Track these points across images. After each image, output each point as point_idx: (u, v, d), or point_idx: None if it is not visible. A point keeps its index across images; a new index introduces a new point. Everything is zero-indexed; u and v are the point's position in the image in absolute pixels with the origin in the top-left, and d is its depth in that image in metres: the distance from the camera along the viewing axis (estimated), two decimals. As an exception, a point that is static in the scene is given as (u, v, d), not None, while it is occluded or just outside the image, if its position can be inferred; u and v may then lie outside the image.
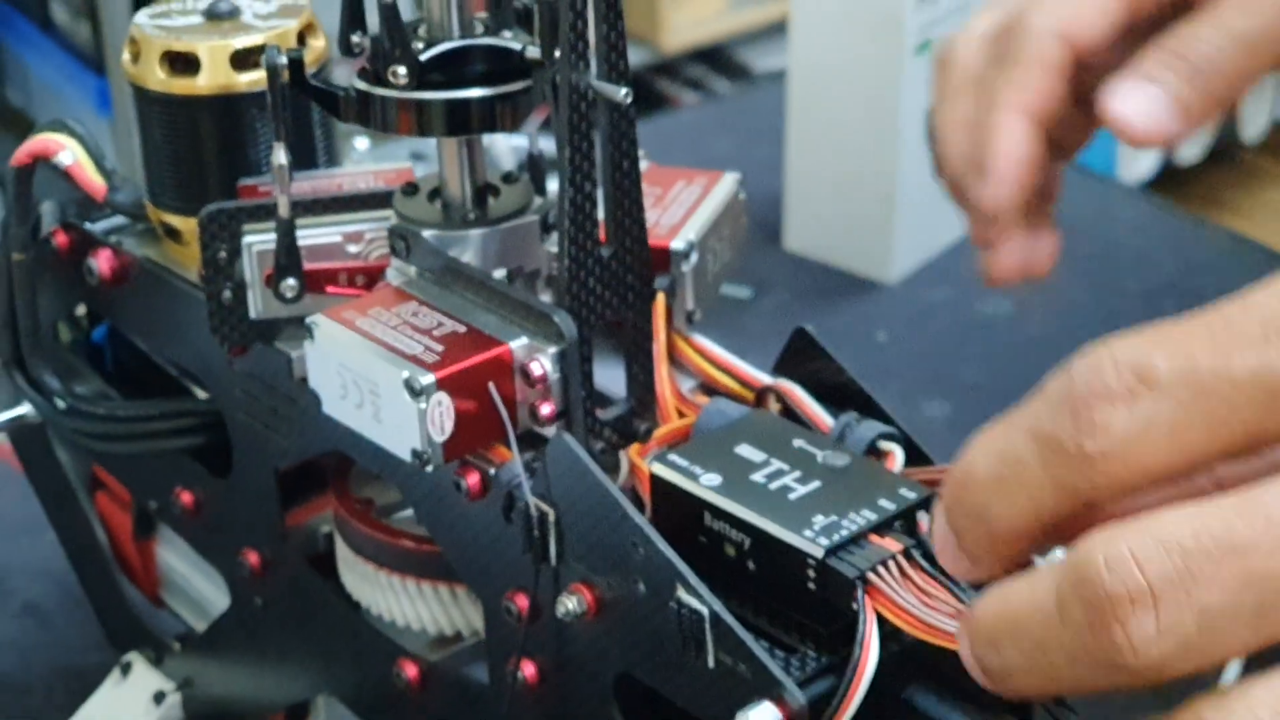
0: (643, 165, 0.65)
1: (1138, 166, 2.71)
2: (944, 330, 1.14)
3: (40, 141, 0.70)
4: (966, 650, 0.47)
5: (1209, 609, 0.41)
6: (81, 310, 0.78)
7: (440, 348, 0.57)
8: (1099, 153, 2.61)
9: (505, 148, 0.75)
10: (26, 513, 0.90)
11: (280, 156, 0.60)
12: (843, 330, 1.14)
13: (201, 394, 0.72)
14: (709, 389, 0.62)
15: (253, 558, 0.70)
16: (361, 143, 0.77)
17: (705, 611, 0.53)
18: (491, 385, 0.57)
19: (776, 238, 1.23)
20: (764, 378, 0.61)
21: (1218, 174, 2.85)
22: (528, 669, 0.60)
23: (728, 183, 0.66)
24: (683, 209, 0.64)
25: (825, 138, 1.19)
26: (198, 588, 0.79)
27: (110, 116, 2.24)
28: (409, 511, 0.65)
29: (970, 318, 1.15)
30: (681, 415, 0.61)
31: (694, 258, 0.62)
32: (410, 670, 0.65)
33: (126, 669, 0.82)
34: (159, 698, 0.80)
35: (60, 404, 0.73)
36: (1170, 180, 2.75)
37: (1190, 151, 2.79)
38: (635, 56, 2.37)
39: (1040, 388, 0.45)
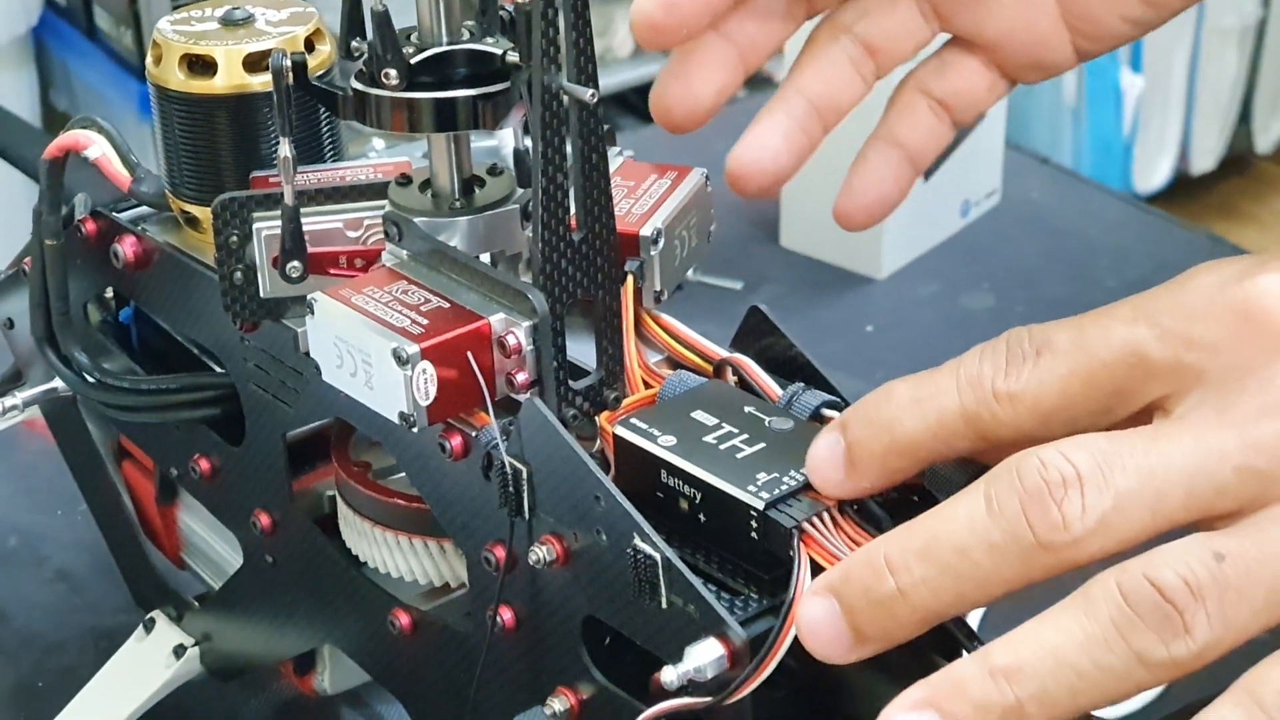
0: (618, 161, 0.72)
1: (1152, 177, 2.75)
2: (929, 323, 1.20)
3: (71, 136, 0.77)
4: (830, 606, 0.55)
5: (1121, 491, 0.52)
6: (109, 293, 0.84)
7: (425, 321, 0.63)
8: (1112, 164, 2.63)
9: (507, 141, 0.81)
10: (59, 487, 0.97)
11: (285, 150, 0.66)
12: (834, 322, 1.20)
13: (217, 369, 0.78)
14: (674, 362, 0.68)
15: (264, 519, 0.77)
16: (379, 143, 0.83)
17: (658, 558, 0.59)
18: (471, 355, 0.63)
19: (774, 235, 1.29)
20: (722, 352, 0.67)
21: (1231, 183, 2.88)
22: (506, 615, 0.66)
23: (695, 176, 0.71)
24: (652, 199, 0.70)
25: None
26: (216, 549, 0.85)
27: (151, 120, 2.29)
28: (402, 474, 0.71)
29: (954, 312, 1.21)
30: (648, 386, 0.67)
31: (661, 243, 0.68)
32: (403, 619, 0.72)
33: (149, 625, 0.87)
34: (179, 651, 0.86)
35: (89, 379, 0.79)
36: (1184, 190, 2.78)
37: (1203, 161, 2.82)
38: (647, 65, 2.42)
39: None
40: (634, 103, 2.38)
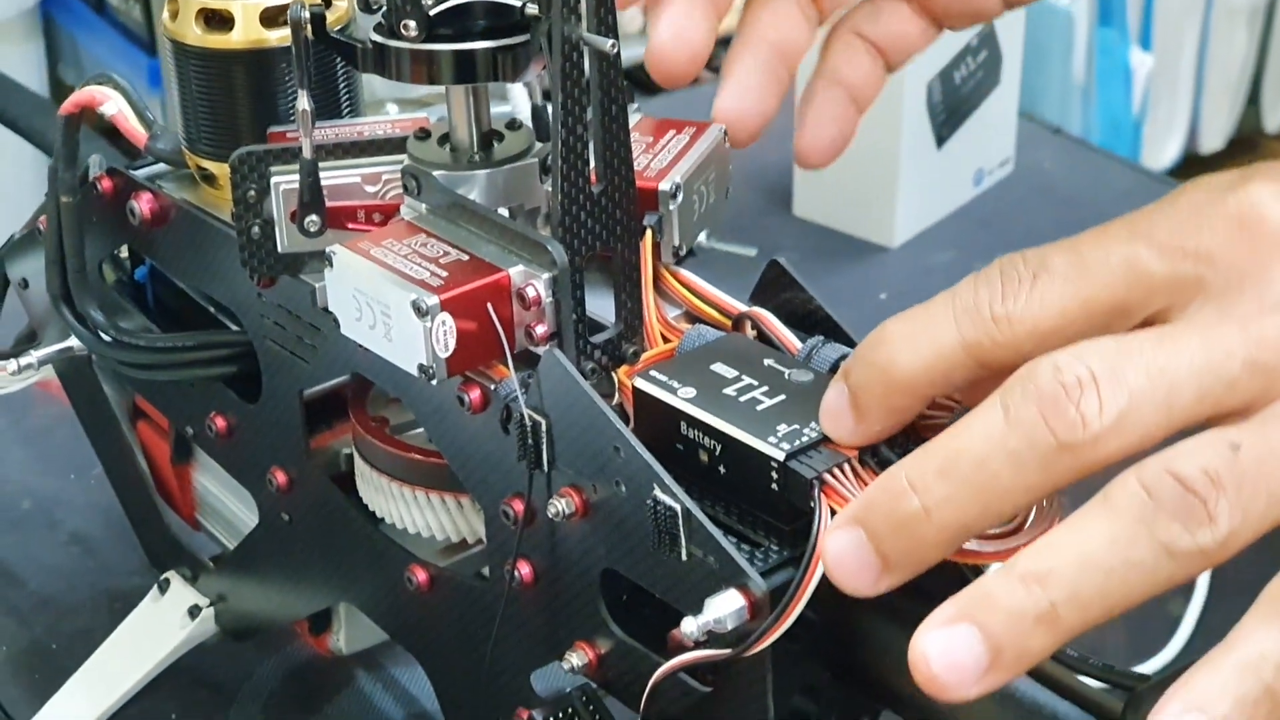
0: (636, 117, 0.72)
1: (1161, 155, 2.75)
2: (941, 290, 1.19)
3: (87, 93, 0.77)
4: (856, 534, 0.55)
5: (1135, 389, 0.52)
6: (124, 252, 0.84)
7: (445, 274, 0.63)
8: (1121, 142, 2.63)
9: (520, 105, 0.81)
10: (74, 452, 0.97)
11: (304, 103, 0.66)
12: (847, 290, 1.20)
13: (234, 327, 0.78)
14: (692, 317, 0.68)
15: (280, 477, 0.77)
16: (393, 108, 0.83)
17: (679, 508, 0.59)
18: (490, 307, 0.63)
19: (787, 204, 1.29)
20: (741, 306, 0.67)
21: (1240, 163, 2.85)
22: (524, 569, 0.66)
23: (714, 132, 0.71)
24: (671, 155, 0.69)
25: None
26: (231, 509, 0.85)
27: (161, 94, 2.30)
28: (420, 430, 0.71)
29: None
30: (666, 340, 0.67)
31: (679, 198, 0.68)
32: (421, 575, 0.72)
33: (164, 586, 0.87)
34: (194, 612, 0.86)
35: (105, 337, 0.78)
36: (1192, 169, 2.77)
37: (1212, 140, 2.82)
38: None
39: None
40: (641, 78, 2.37)
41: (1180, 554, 0.50)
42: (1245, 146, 2.88)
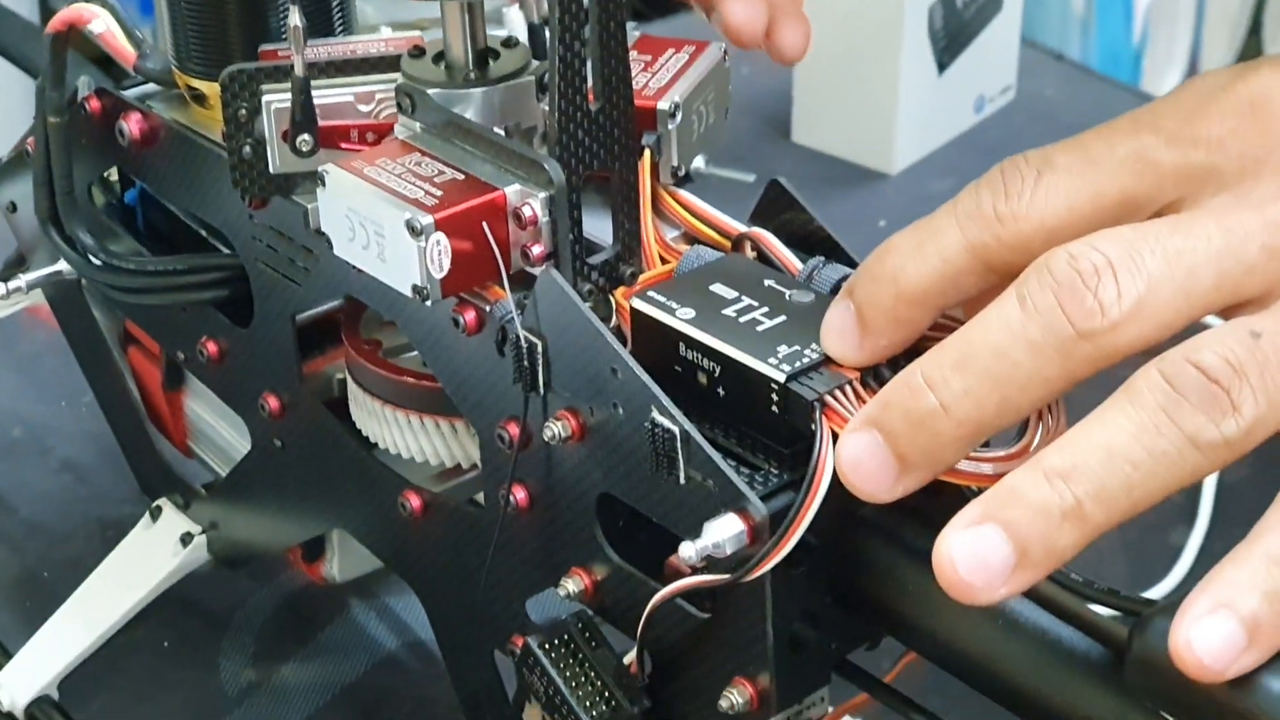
0: (635, 35, 0.70)
1: (1161, 84, 2.73)
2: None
3: (74, 10, 0.75)
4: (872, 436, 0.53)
5: (1153, 275, 0.51)
6: (114, 175, 0.83)
7: (439, 193, 0.62)
8: (1121, 74, 2.62)
9: (516, 26, 0.80)
10: (64, 378, 0.96)
11: (295, 19, 0.65)
12: (846, 217, 1.18)
13: (225, 250, 0.77)
14: (691, 238, 0.67)
15: (272, 401, 0.76)
16: (387, 31, 0.81)
17: (677, 431, 0.57)
18: (486, 227, 0.61)
19: (786, 131, 1.28)
20: (740, 226, 0.66)
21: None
22: (519, 493, 0.65)
23: (713, 51, 0.70)
24: (670, 74, 0.68)
25: (832, 36, 1.23)
26: (223, 436, 0.84)
27: (153, 23, 2.28)
28: (414, 353, 0.69)
29: (968, 207, 1.19)
30: (665, 261, 0.66)
31: (679, 117, 0.67)
32: (414, 501, 0.71)
33: (156, 513, 0.87)
34: (186, 539, 0.85)
35: (94, 260, 0.77)
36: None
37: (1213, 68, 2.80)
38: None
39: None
40: (636, 7, 2.36)
41: (1205, 445, 0.49)
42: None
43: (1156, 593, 0.90)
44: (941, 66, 1.25)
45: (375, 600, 0.89)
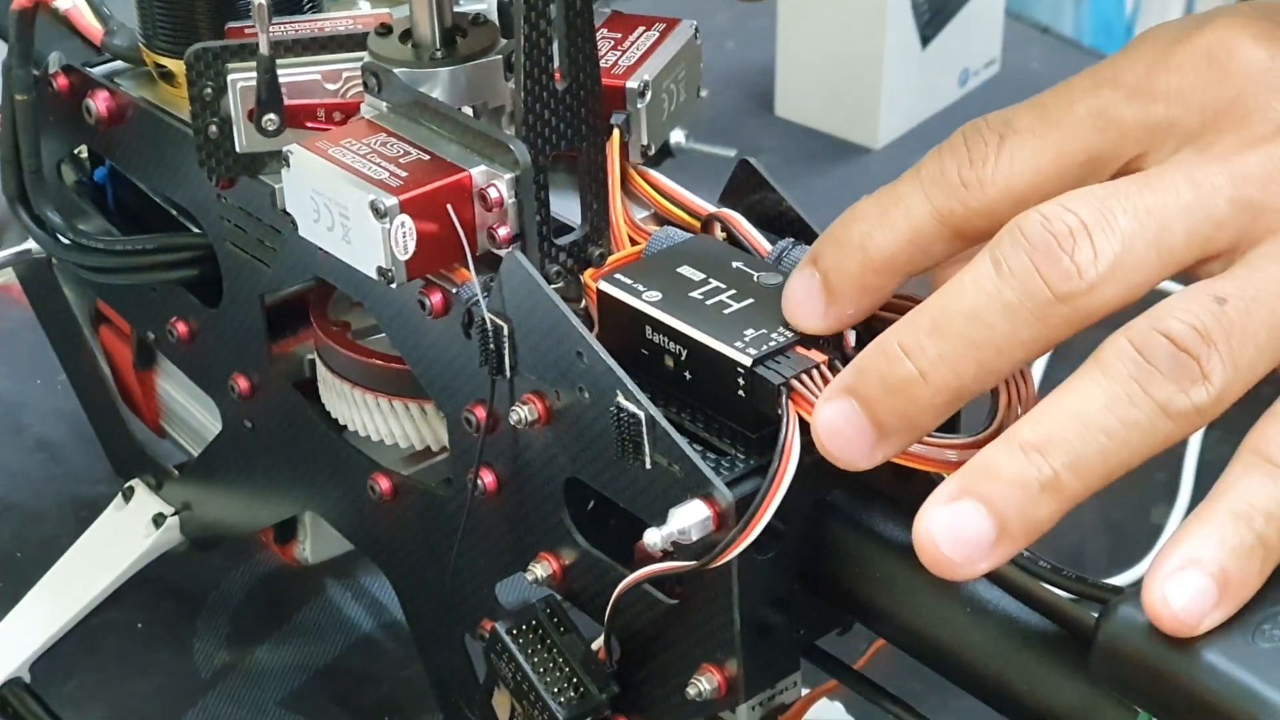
0: (604, 13, 0.70)
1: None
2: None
3: (41, -14, 0.74)
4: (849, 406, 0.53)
5: (1127, 233, 0.51)
6: (84, 152, 0.82)
7: (404, 174, 0.61)
8: (1113, 45, 2.62)
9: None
10: (39, 356, 0.95)
11: (260, -5, 0.64)
12: (829, 192, 1.18)
13: (194, 230, 0.76)
14: (660, 218, 0.66)
15: (242, 382, 0.75)
16: (365, 5, 0.81)
17: (642, 415, 0.57)
18: (451, 208, 0.61)
19: (769, 105, 1.27)
20: (710, 207, 0.65)
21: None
22: (487, 477, 0.64)
23: (685, 29, 0.69)
24: (639, 52, 0.67)
25: (816, 8, 1.22)
26: (195, 416, 0.83)
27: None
28: (382, 335, 0.69)
29: (951, 182, 1.18)
30: (634, 242, 0.65)
31: (648, 96, 0.66)
32: (384, 483, 0.70)
33: (128, 494, 0.86)
34: (158, 520, 0.85)
35: (63, 239, 0.77)
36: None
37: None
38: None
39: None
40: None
41: (1176, 413, 0.49)
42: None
43: (1138, 571, 0.89)
44: (925, 40, 1.24)
45: (351, 580, 0.89)
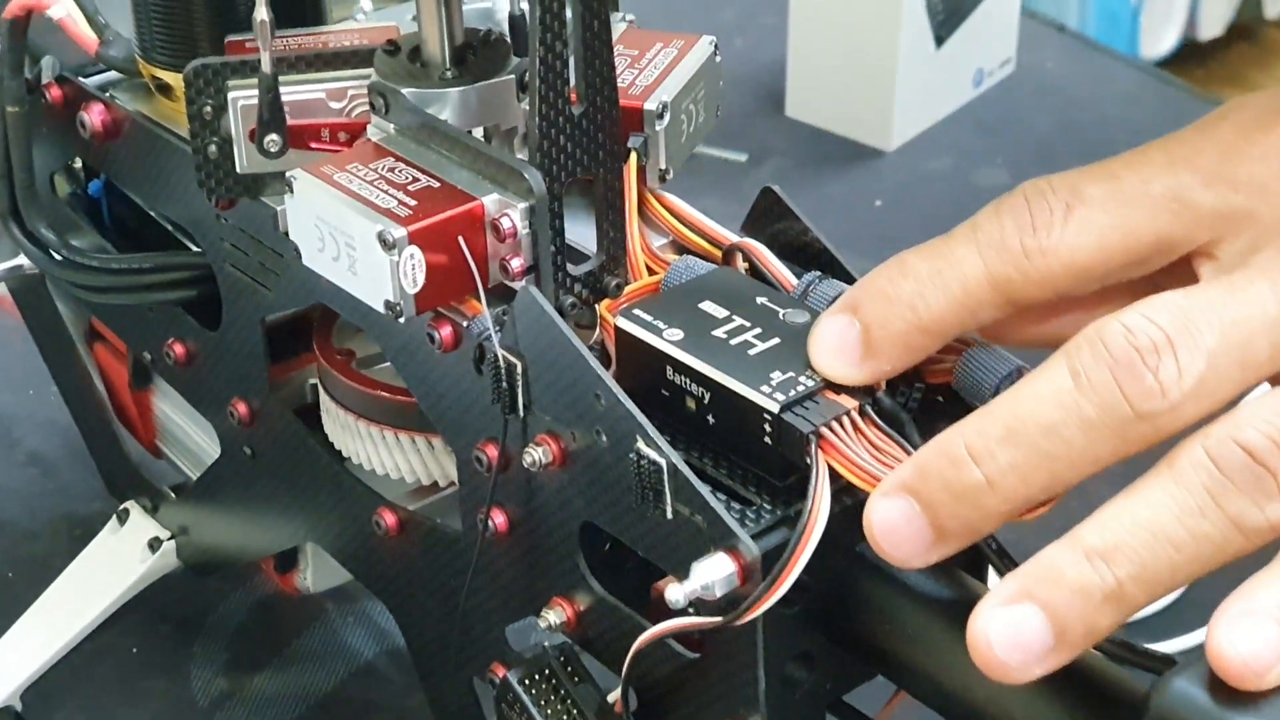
0: (621, 27, 0.67)
1: (1159, 44, 2.70)
2: (939, 198, 1.15)
3: (34, -6, 0.71)
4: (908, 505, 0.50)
5: (1211, 350, 0.48)
6: (79, 164, 0.79)
7: (414, 202, 0.58)
8: (1119, 31, 2.60)
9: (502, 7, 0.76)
10: (32, 367, 0.92)
11: (262, 12, 0.61)
12: (841, 196, 1.15)
13: (194, 248, 0.73)
14: (679, 246, 0.64)
15: (241, 408, 0.72)
16: (367, 4, 0.78)
17: (663, 463, 0.54)
18: (462, 239, 0.58)
19: (780, 105, 1.25)
20: (732, 236, 0.63)
21: (1239, 50, 2.83)
22: (498, 518, 0.62)
23: (703, 46, 0.66)
24: (657, 70, 0.65)
25: (828, 7, 1.20)
26: (193, 438, 0.80)
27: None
28: (389, 364, 0.66)
29: (965, 187, 1.16)
30: (651, 272, 0.62)
31: (666, 118, 0.63)
32: (389, 518, 0.67)
33: (124, 516, 0.84)
34: (154, 544, 0.82)
35: (56, 256, 0.74)
36: (1191, 56, 2.73)
37: (1211, 28, 2.77)
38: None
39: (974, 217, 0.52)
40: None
41: (1249, 528, 0.47)
42: (1244, 34, 2.83)
43: (1189, 639, 0.85)
44: (940, 40, 1.21)
45: (353, 606, 0.86)
